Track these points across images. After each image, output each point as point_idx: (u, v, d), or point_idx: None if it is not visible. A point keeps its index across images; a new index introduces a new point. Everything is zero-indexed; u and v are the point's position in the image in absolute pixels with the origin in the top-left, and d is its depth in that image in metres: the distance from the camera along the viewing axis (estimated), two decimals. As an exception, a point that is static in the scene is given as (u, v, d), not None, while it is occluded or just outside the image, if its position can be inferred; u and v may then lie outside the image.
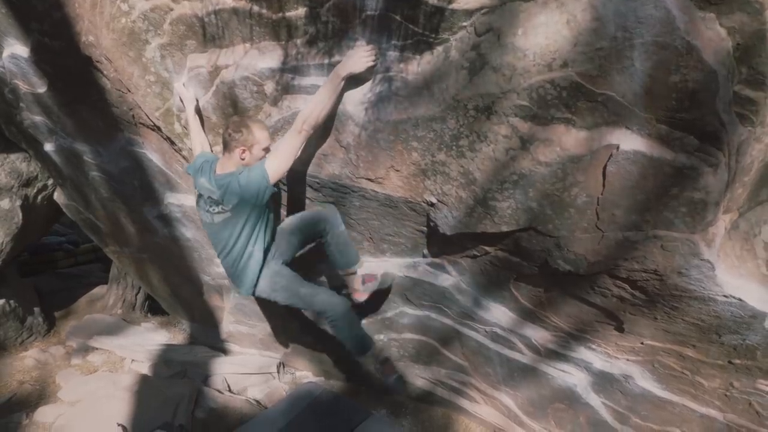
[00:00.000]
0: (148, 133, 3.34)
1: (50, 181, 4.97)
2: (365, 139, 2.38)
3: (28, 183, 4.88)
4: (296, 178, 2.79)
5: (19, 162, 4.77)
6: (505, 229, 2.30)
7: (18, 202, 4.82)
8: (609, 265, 2.21)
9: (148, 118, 3.10)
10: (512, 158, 2.08)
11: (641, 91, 1.76)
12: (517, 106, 1.96)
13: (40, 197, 5.02)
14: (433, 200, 2.41)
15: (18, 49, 3.38)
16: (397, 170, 2.40)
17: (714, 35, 1.64)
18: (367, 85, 2.31)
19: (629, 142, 1.86)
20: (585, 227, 2.13)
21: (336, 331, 2.98)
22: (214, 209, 2.58)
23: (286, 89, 2.52)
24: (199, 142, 2.81)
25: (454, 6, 1.99)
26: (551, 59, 1.83)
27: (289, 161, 2.42)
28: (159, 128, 3.11)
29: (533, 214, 2.19)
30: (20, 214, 4.84)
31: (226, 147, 2.53)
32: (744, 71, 1.70)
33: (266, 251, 2.70)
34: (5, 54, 3.47)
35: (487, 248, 2.57)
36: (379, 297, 3.34)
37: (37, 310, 5.44)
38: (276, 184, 2.54)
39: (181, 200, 3.66)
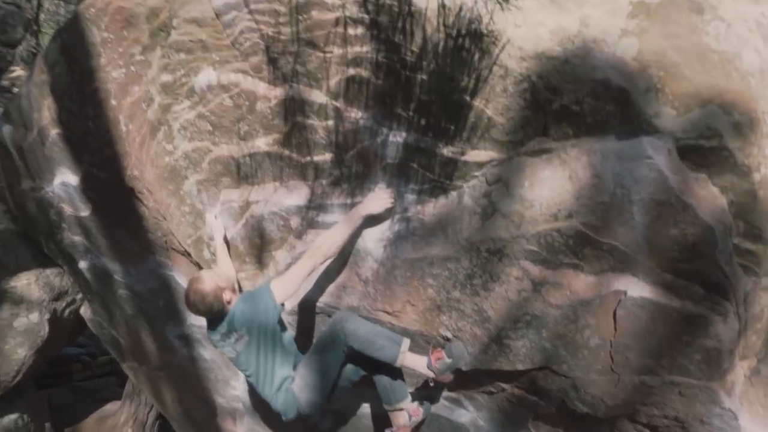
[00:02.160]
0: (178, 258, 3.52)
1: (79, 296, 5.14)
2: (383, 275, 2.49)
3: (58, 297, 5.05)
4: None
5: (52, 277, 4.98)
6: (520, 367, 2.31)
7: (46, 316, 4.96)
8: (628, 409, 2.17)
9: (180, 244, 3.29)
10: (524, 299, 2.15)
11: (643, 242, 1.86)
12: (527, 251, 2.07)
13: (67, 311, 5.16)
14: (449, 335, 2.45)
15: (69, 177, 3.70)
16: (413, 305, 2.48)
17: (708, 194, 1.77)
18: (386, 224, 2.46)
19: (636, 288, 1.93)
20: (600, 369, 2.13)
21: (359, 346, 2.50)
22: (232, 338, 2.61)
23: (311, 224, 2.69)
24: (224, 268, 2.95)
25: (466, 158, 2.18)
26: (557, 210, 1.96)
27: (297, 284, 2.49)
28: (189, 254, 3.28)
29: (547, 354, 2.21)
30: (47, 328, 4.96)
31: (215, 315, 2.60)
32: (741, 225, 1.80)
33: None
34: (56, 181, 3.80)
35: (503, 385, 2.55)
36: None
37: (48, 425, 5.36)
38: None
39: (202, 321, 3.74)
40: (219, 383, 4.15)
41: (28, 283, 4.84)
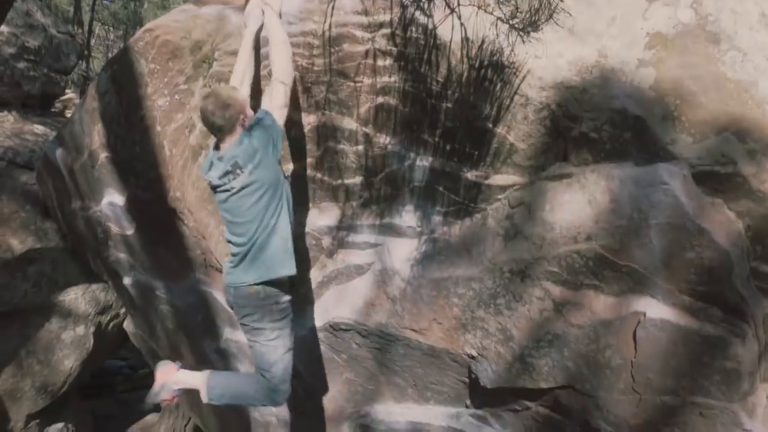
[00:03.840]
0: (215, 275, 3.69)
1: (122, 310, 5.39)
2: (410, 293, 2.59)
3: (103, 311, 5.31)
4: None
5: (98, 292, 5.25)
6: (543, 385, 2.36)
7: (92, 329, 5.21)
8: (651, 429, 2.20)
9: (218, 261, 3.46)
10: (546, 319, 2.21)
11: (661, 265, 1.92)
12: (549, 272, 2.15)
13: (111, 324, 5.41)
14: (474, 353, 2.52)
15: (116, 198, 3.94)
16: (439, 323, 2.56)
17: (724, 218, 1.82)
18: (414, 244, 2.57)
19: (655, 310, 1.98)
20: (622, 389, 2.17)
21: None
22: (231, 177, 2.27)
23: (341, 244, 2.81)
24: (241, 69, 2.57)
25: (489, 182, 2.28)
26: (576, 233, 2.04)
27: (286, 108, 2.33)
28: (226, 271, 3.44)
29: (570, 372, 2.26)
30: (92, 340, 5.21)
31: (225, 132, 2.28)
32: (759, 249, 1.84)
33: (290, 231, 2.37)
34: (104, 201, 4.05)
35: (528, 403, 2.59)
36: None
37: (91, 435, 5.60)
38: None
39: (238, 337, 3.89)
40: (253, 396, 4.28)
41: (75, 297, 5.12)
